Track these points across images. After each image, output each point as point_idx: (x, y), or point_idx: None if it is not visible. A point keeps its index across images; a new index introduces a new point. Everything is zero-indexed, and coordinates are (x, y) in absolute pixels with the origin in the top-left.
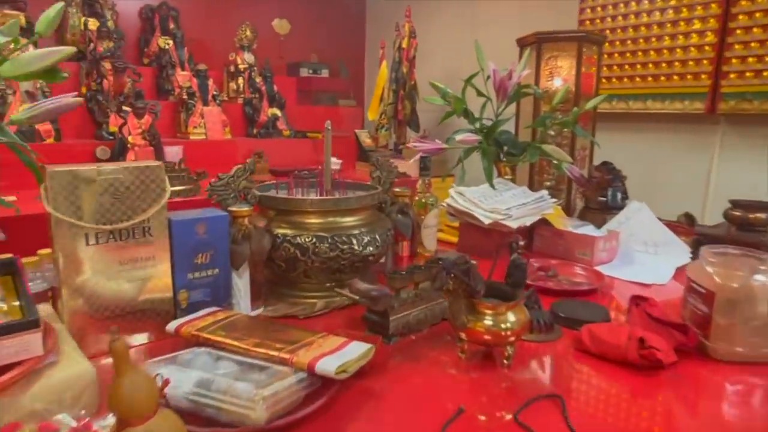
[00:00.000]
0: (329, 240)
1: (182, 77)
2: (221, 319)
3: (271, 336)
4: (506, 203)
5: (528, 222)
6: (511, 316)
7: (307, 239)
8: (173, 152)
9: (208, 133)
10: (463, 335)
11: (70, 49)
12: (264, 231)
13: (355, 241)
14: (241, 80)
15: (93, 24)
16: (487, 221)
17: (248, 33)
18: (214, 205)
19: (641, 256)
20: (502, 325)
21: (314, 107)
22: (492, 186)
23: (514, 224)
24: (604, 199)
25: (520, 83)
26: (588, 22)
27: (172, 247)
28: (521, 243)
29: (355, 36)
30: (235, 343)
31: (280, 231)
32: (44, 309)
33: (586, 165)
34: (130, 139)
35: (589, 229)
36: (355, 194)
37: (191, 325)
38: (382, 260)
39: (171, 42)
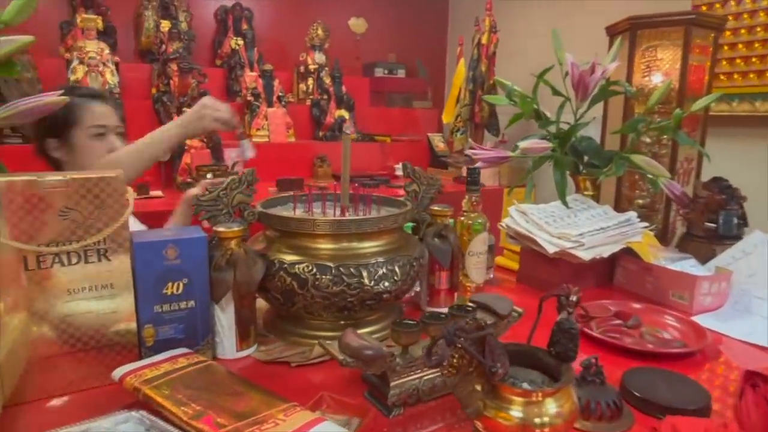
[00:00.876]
0: (332, 271)
1: (250, 78)
2: (180, 367)
3: (221, 402)
4: (580, 227)
5: (606, 253)
6: (551, 406)
7: (306, 269)
8: (234, 154)
9: (271, 136)
10: (479, 425)
11: (25, 39)
12: (256, 256)
13: (365, 274)
14: (310, 81)
15: (165, 26)
16: (551, 249)
17: (320, 32)
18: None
19: (763, 305)
20: (537, 420)
21: (387, 109)
22: (565, 204)
23: (586, 255)
24: (714, 225)
25: (608, 79)
26: (705, 7)
27: (135, 274)
28: (574, 298)
29: (436, 34)
30: (173, 408)
31: (278, 257)
32: None
33: (690, 181)
34: (186, 140)
35: (689, 265)
36: (380, 213)
37: (138, 374)
38: (417, 290)
39: (242, 42)
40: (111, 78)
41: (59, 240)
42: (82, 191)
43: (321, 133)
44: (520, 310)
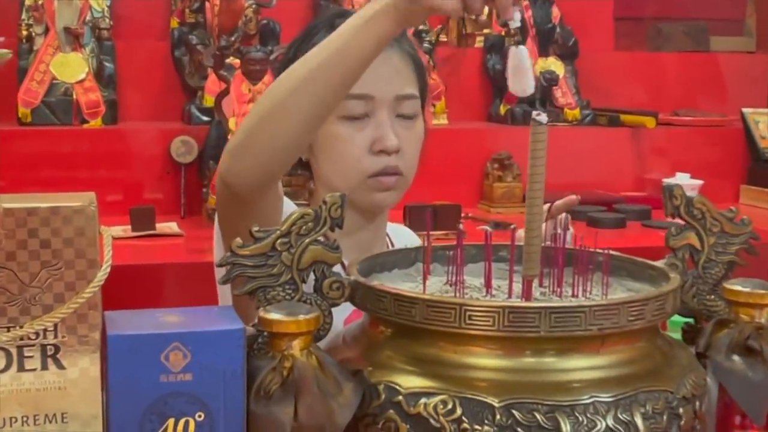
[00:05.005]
0: (499, 416)
1: None
2: None
3: None
4: None
5: None
6: None
7: (442, 408)
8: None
9: None
10: None
11: None
12: (342, 376)
13: (567, 427)
14: None
15: None
16: None
17: None
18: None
19: None
20: None
21: (654, 54)
22: None
23: None
24: None
25: None
26: None
27: (108, 398)
28: None
29: None
30: None
31: (387, 378)
32: None
33: None
34: (231, 122)
35: None
36: (608, 293)
37: None
38: None
39: None
40: (96, 1)
41: None
42: (21, 234)
43: (503, 108)
44: None
